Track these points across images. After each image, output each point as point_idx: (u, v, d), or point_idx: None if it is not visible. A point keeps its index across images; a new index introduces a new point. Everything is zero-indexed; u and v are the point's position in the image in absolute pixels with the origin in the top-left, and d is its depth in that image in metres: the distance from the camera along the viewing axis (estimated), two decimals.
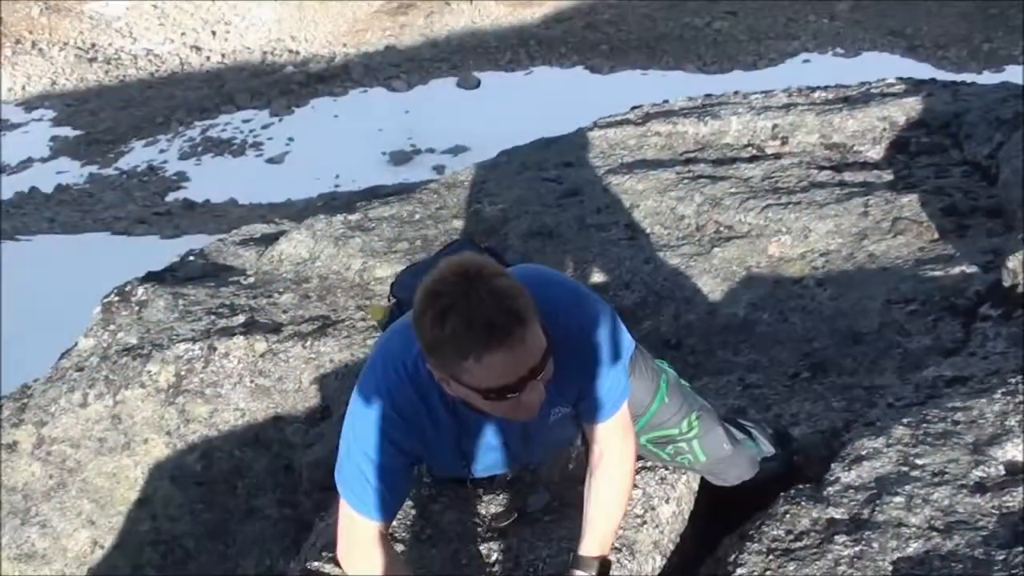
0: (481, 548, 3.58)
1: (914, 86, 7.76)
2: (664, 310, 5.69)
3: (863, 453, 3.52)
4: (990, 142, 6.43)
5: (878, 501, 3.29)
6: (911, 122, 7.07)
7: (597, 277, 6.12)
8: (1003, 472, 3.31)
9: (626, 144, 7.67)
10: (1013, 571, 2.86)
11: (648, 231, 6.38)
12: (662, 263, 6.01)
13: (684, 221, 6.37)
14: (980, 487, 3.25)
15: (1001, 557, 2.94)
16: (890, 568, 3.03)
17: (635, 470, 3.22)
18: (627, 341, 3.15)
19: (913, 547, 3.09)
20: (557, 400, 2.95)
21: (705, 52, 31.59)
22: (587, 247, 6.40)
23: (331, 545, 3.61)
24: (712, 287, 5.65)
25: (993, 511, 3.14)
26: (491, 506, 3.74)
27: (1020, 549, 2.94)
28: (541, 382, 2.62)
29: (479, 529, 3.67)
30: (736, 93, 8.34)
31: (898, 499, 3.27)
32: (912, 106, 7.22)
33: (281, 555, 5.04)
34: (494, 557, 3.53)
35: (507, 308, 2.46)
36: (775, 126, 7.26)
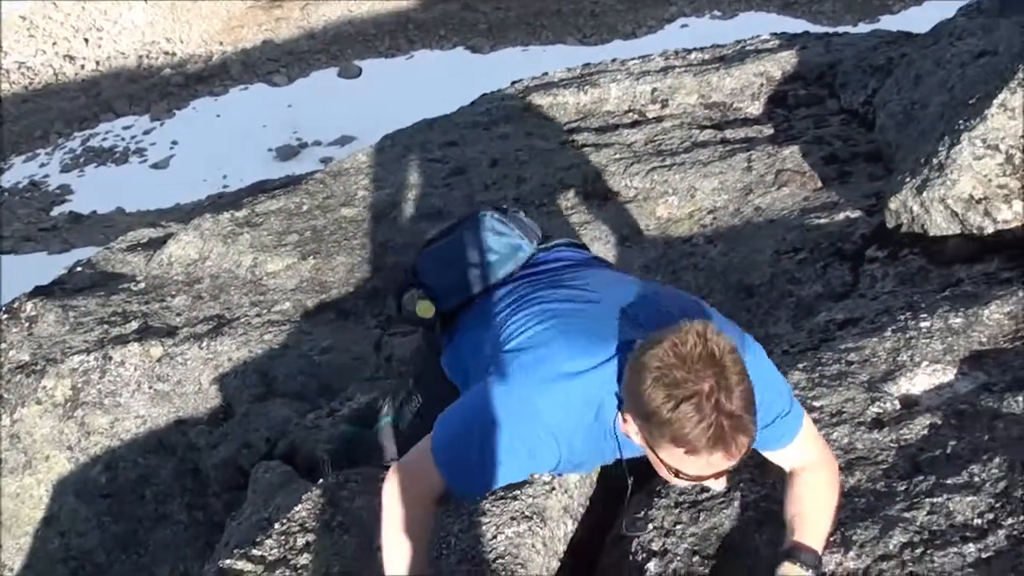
0: None
1: (788, 40, 7.85)
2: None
3: None
4: (865, 89, 6.52)
5: None
6: (787, 76, 7.16)
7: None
8: (899, 407, 3.37)
9: (509, 119, 7.68)
10: (914, 500, 2.91)
11: (537, 203, 6.39)
12: (553, 233, 6.01)
13: (571, 190, 6.40)
14: (877, 423, 3.31)
15: (902, 488, 2.99)
16: None
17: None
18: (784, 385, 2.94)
19: None
20: None
21: (584, 24, 31.68)
22: None
23: (245, 543, 3.57)
24: (604, 253, 5.66)
25: (892, 444, 3.20)
26: None
27: (920, 479, 2.99)
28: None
29: None
30: (614, 61, 8.38)
31: None
32: (787, 60, 7.30)
33: (195, 559, 4.98)
34: None
35: (743, 425, 2.39)
36: (654, 90, 7.31)
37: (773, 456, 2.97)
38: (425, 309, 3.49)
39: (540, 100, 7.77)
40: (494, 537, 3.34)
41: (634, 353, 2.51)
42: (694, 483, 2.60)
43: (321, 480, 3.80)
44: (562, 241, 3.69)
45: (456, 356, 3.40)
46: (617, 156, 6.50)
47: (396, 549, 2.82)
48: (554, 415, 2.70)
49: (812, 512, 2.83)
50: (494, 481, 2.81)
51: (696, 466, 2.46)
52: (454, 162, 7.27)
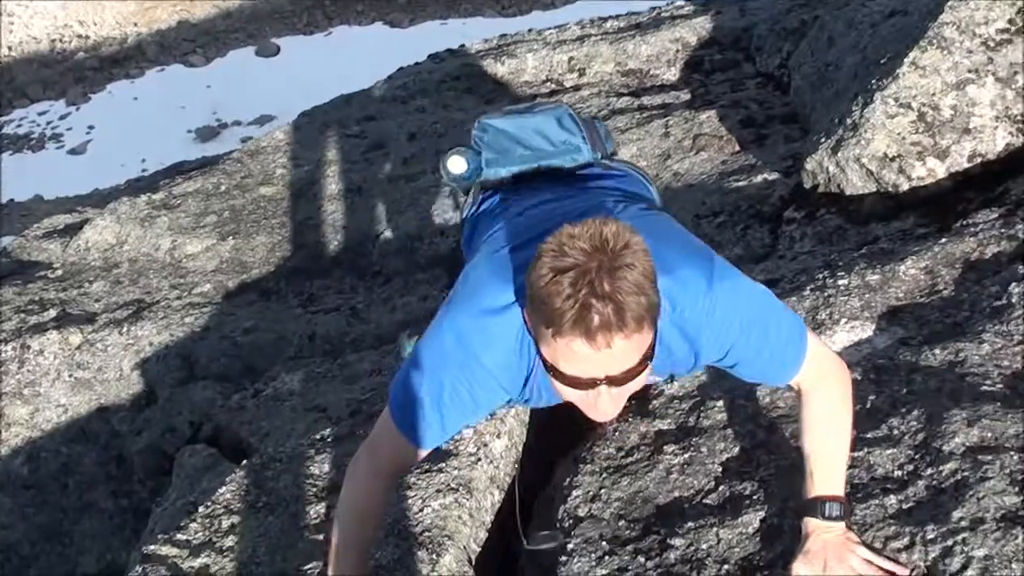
0: (320, 507, 3.54)
1: (703, 6, 7.89)
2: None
3: None
4: (780, 52, 6.57)
5: (702, 408, 3.35)
6: (703, 41, 7.19)
7: (409, 227, 6.11)
8: None
9: (426, 92, 7.66)
10: None
11: None
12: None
13: None
14: None
15: None
16: (720, 469, 3.09)
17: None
18: (755, 293, 2.72)
19: (740, 446, 3.16)
20: (656, 373, 2.72)
21: None
22: (398, 199, 6.39)
23: (170, 528, 3.54)
24: None
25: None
26: (325, 463, 3.72)
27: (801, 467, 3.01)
28: (616, 395, 2.38)
29: (315, 488, 3.63)
30: (531, 31, 8.37)
31: (720, 403, 3.34)
32: (702, 25, 7.34)
33: (121, 547, 4.94)
34: (333, 513, 3.50)
35: (617, 306, 2.17)
36: (571, 59, 7.31)
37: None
38: (455, 163, 3.36)
39: (457, 72, 7.75)
40: (420, 510, 3.33)
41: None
42: (580, 393, 2.37)
43: None
44: (626, 164, 3.53)
45: (470, 235, 3.32)
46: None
47: (342, 545, 2.80)
48: (488, 355, 2.59)
49: (827, 445, 2.70)
50: (448, 429, 2.72)
51: (567, 359, 2.27)
52: (372, 137, 7.24)
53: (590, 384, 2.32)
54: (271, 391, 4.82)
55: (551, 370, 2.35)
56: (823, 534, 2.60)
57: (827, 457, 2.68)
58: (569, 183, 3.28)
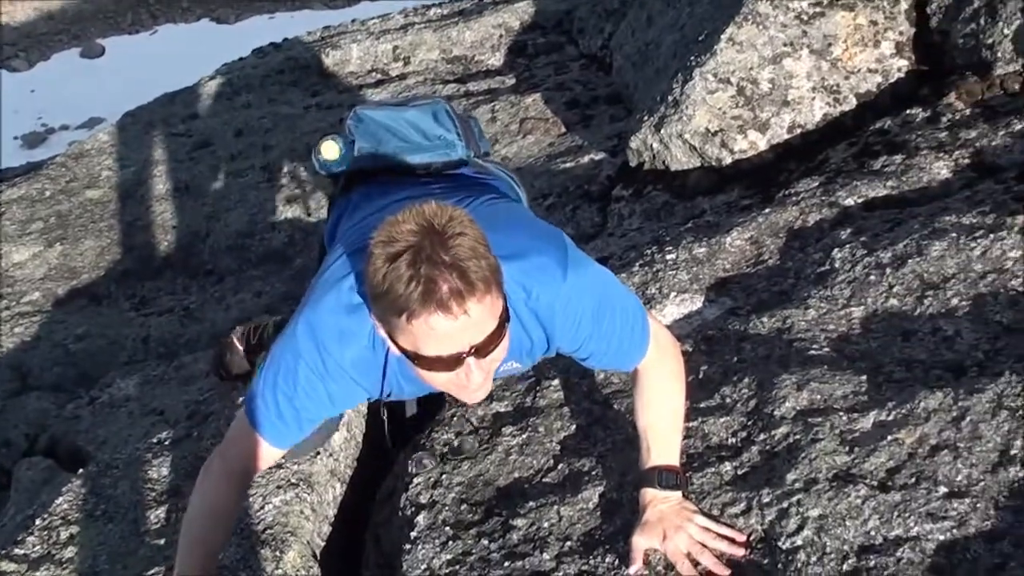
0: (159, 512, 3.49)
1: None
2: (314, 244, 5.64)
3: None
4: (602, 33, 6.64)
5: (538, 388, 3.37)
6: (526, 25, 7.23)
7: (239, 224, 6.04)
8: None
9: (251, 87, 7.56)
10: None
11: (285, 169, 6.32)
12: (303, 198, 5.97)
13: None
14: None
15: None
16: (558, 448, 3.11)
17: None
18: (604, 280, 2.71)
19: (576, 424, 3.19)
20: (515, 358, 2.67)
21: None
22: (226, 196, 6.31)
23: (7, 543, 3.45)
24: None
25: None
26: (163, 468, 3.65)
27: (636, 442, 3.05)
28: (484, 366, 2.34)
29: (154, 493, 3.57)
30: (354, 21, 8.32)
31: (556, 382, 3.37)
32: (525, 10, 7.37)
33: None
34: (173, 518, 3.44)
35: (460, 270, 2.15)
36: (396, 48, 7.29)
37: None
38: (328, 148, 3.28)
39: (281, 66, 7.68)
40: (261, 508, 3.30)
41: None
42: (446, 375, 2.33)
43: None
44: (498, 165, 3.48)
45: (334, 225, 3.20)
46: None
47: (190, 546, 2.72)
48: (341, 351, 2.55)
49: (663, 420, 2.73)
50: (304, 427, 2.68)
51: (427, 340, 2.23)
52: (198, 135, 7.13)
53: (456, 360, 2.28)
54: (107, 398, 4.72)
55: (415, 359, 2.30)
56: (660, 504, 2.63)
57: (662, 429, 2.72)
58: (435, 181, 3.24)
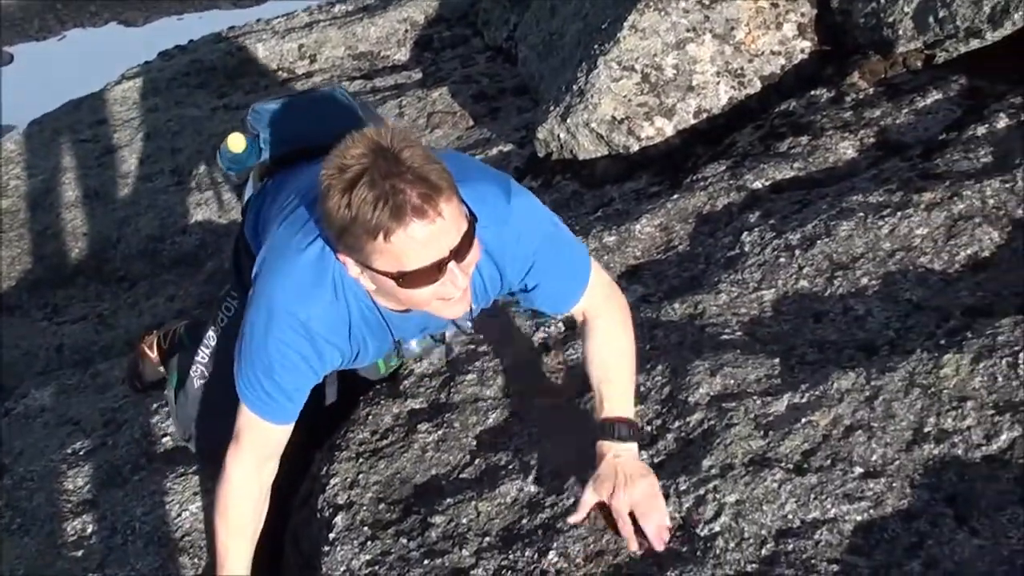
0: (76, 524, 3.46)
1: None
2: (225, 247, 5.58)
3: None
4: (507, 25, 6.62)
5: (452, 383, 3.34)
6: (431, 19, 7.21)
7: (150, 229, 5.96)
8: (563, 329, 3.42)
9: (158, 90, 7.46)
10: (585, 407, 2.97)
11: (193, 172, 6.26)
12: (213, 201, 5.91)
13: None
14: (544, 347, 3.36)
15: (573, 407, 3.06)
16: (474, 443, 3.08)
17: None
18: (549, 213, 2.73)
19: (492, 417, 3.16)
20: (480, 299, 2.67)
21: None
22: (136, 201, 6.23)
23: None
24: None
25: (559, 367, 3.26)
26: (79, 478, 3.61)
27: (589, 396, 3.02)
28: (464, 269, 2.32)
29: (70, 504, 3.54)
30: (259, 21, 8.24)
31: (470, 376, 3.34)
32: (429, 4, 7.36)
33: None
34: (90, 529, 3.40)
35: (421, 176, 2.15)
36: (301, 46, 7.23)
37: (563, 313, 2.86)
38: (234, 140, 3.16)
39: (187, 69, 7.59)
40: (178, 515, 3.28)
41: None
42: (431, 288, 2.31)
43: None
44: None
45: (255, 220, 3.11)
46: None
47: (229, 545, 2.68)
48: (306, 312, 2.51)
49: (615, 371, 2.72)
50: (294, 398, 2.64)
51: (408, 253, 2.21)
52: (105, 141, 7.03)
53: (439, 267, 2.25)
54: (22, 408, 4.62)
55: (400, 279, 2.27)
56: (616, 457, 2.62)
57: (614, 381, 2.71)
58: None
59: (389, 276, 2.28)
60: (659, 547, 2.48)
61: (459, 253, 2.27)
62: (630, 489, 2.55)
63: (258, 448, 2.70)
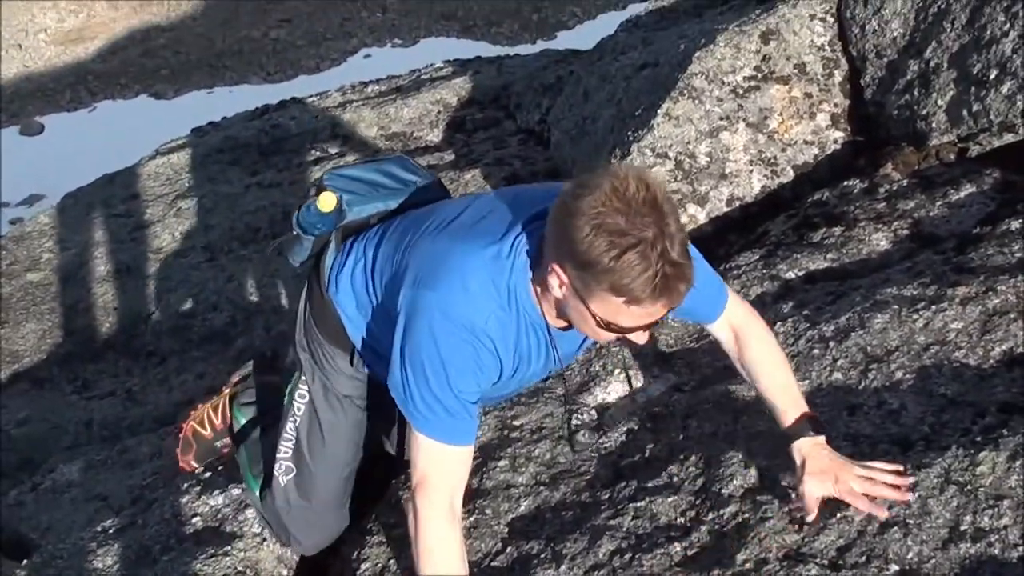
0: None
1: (461, 66, 7.96)
2: (255, 325, 5.62)
3: None
4: (539, 108, 6.66)
5: (485, 469, 3.34)
6: (463, 101, 7.26)
7: (183, 305, 5.99)
8: (595, 416, 3.43)
9: (191, 166, 7.52)
10: (619, 507, 2.97)
11: (226, 249, 6.30)
12: (244, 278, 5.94)
13: (259, 232, 6.32)
14: (576, 432, 3.36)
15: (607, 496, 3.05)
16: (506, 530, 3.09)
17: None
18: None
19: (524, 505, 3.16)
20: None
21: (267, 62, 31.20)
22: (168, 277, 6.26)
23: None
24: (295, 291, 5.60)
25: (592, 455, 3.25)
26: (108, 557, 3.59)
27: (622, 485, 3.05)
28: None
29: None
30: (293, 99, 8.32)
31: (503, 463, 3.34)
32: (462, 86, 7.40)
33: None
34: None
35: (685, 273, 2.30)
36: (335, 126, 7.29)
37: (713, 326, 2.92)
38: (325, 200, 3.09)
39: (220, 145, 7.65)
40: None
41: (562, 199, 2.36)
42: (618, 335, 2.49)
43: None
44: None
45: (351, 280, 3.09)
46: (303, 194, 6.45)
47: None
48: (472, 312, 2.56)
49: (781, 375, 2.84)
50: (475, 411, 2.67)
51: (633, 317, 2.36)
52: (138, 216, 7.08)
53: (645, 329, 2.45)
54: (49, 483, 4.63)
55: (604, 324, 2.41)
56: (817, 451, 2.68)
57: (784, 386, 2.81)
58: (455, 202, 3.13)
59: (596, 318, 2.40)
60: (907, 496, 2.56)
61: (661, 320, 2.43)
62: (848, 476, 2.62)
63: (448, 483, 2.65)
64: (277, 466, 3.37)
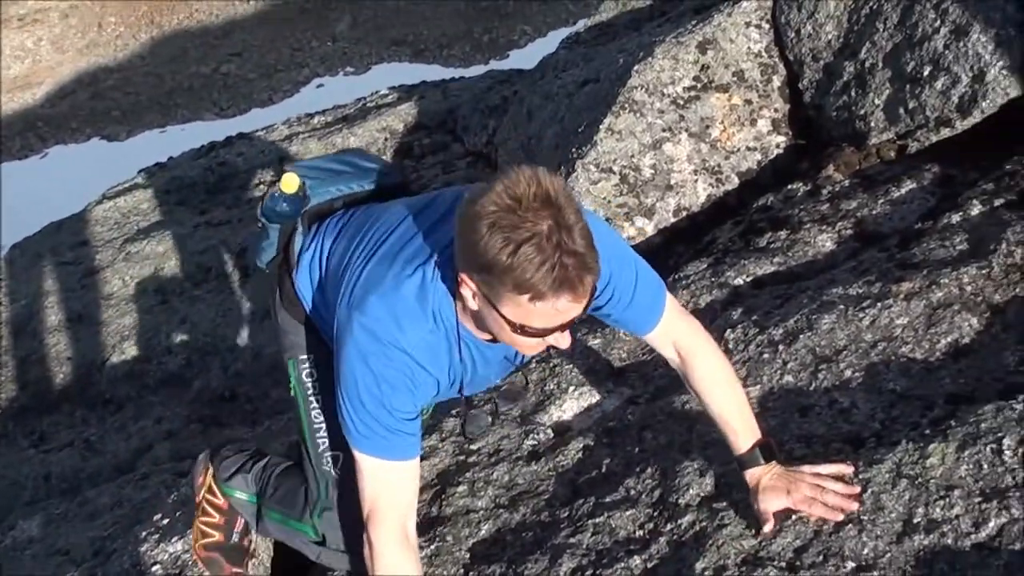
0: None
1: (407, 92, 7.98)
2: (212, 365, 5.60)
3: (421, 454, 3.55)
4: (486, 130, 6.68)
5: (444, 495, 3.33)
6: (410, 127, 7.27)
7: (135, 350, 5.96)
8: (552, 435, 3.43)
9: (139, 209, 7.51)
10: (578, 524, 2.96)
11: (178, 290, 6.28)
12: (198, 319, 5.91)
13: (211, 271, 6.30)
14: (534, 455, 3.36)
15: (565, 514, 3.05)
16: (467, 556, 3.07)
17: None
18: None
19: (485, 529, 3.15)
20: None
21: (219, 97, 31.03)
22: (121, 323, 6.23)
23: None
24: (253, 330, 5.60)
25: (550, 474, 3.25)
26: None
27: (581, 502, 3.05)
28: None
29: None
30: (240, 135, 8.30)
31: (462, 488, 3.32)
32: (408, 112, 7.42)
33: None
34: None
35: (587, 263, 2.26)
36: (282, 159, 7.28)
37: (652, 339, 2.87)
38: (289, 181, 3.04)
39: (167, 186, 7.63)
40: None
41: (463, 206, 2.35)
42: (538, 339, 2.44)
43: None
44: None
45: (313, 268, 3.08)
46: (245, 231, 6.45)
47: None
48: (403, 337, 2.55)
49: (733, 399, 2.79)
50: (406, 425, 2.63)
51: (543, 315, 2.33)
52: (87, 262, 7.05)
53: (561, 330, 2.42)
54: (9, 541, 4.60)
55: (518, 329, 2.38)
56: (769, 471, 2.69)
57: (737, 410, 2.77)
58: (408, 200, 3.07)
59: (509, 322, 2.38)
60: (854, 505, 2.57)
61: (575, 320, 2.41)
62: (800, 485, 2.62)
63: (398, 505, 2.65)
64: (323, 461, 3.15)
